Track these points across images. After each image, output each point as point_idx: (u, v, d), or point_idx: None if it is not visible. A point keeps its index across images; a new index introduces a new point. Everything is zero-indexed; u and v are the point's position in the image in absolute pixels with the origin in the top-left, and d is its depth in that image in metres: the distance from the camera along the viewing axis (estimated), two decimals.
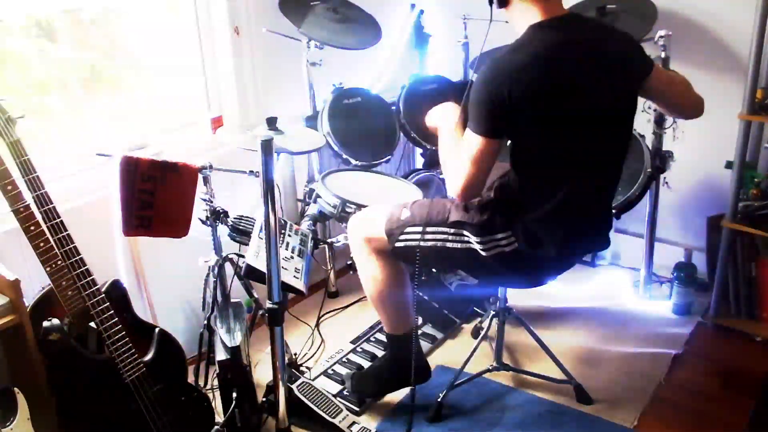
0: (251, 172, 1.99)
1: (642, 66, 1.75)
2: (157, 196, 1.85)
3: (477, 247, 1.77)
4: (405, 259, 1.95)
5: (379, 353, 2.41)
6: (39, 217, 1.59)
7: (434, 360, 2.39)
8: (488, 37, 1.71)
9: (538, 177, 1.71)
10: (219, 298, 2.04)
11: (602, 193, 1.84)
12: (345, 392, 2.21)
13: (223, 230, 1.99)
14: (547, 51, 1.59)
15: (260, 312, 2.23)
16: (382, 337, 2.46)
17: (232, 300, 2.06)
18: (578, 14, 1.74)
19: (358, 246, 2.00)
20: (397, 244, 1.89)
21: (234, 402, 1.89)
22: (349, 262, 2.29)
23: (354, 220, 2.03)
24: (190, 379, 1.93)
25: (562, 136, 1.66)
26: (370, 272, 1.99)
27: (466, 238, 1.79)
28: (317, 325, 2.63)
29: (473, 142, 1.63)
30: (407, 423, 2.05)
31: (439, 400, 2.12)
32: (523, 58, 1.58)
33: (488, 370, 2.25)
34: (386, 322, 2.08)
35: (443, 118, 1.88)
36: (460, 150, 1.67)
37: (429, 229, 1.84)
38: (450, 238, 1.82)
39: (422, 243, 1.85)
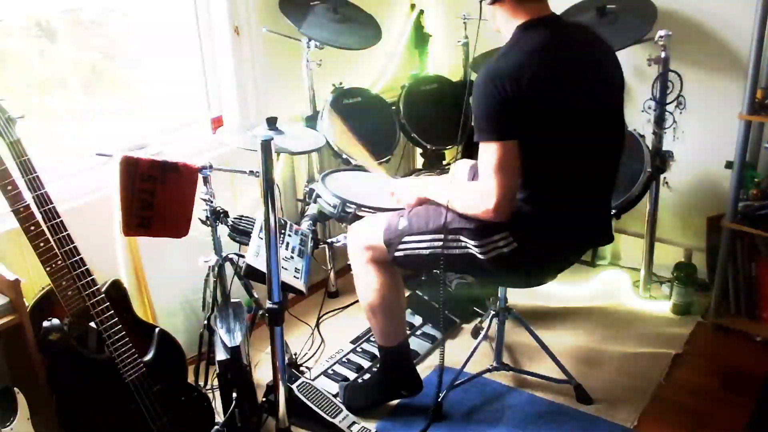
0: (251, 172, 1.99)
1: (622, 77, 1.81)
2: (157, 196, 1.84)
3: (475, 251, 1.77)
4: (405, 267, 1.95)
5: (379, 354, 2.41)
6: (39, 217, 1.59)
7: (434, 360, 2.39)
8: (486, 37, 1.72)
9: (536, 176, 1.70)
10: (219, 298, 2.04)
11: (599, 190, 1.85)
12: (338, 400, 2.21)
13: (223, 230, 1.99)
14: (541, 47, 1.61)
15: (260, 312, 2.23)
16: None
17: (232, 300, 2.06)
18: (559, 16, 1.77)
19: (358, 255, 2.00)
20: (397, 254, 1.89)
21: (234, 402, 1.89)
22: (349, 262, 2.30)
23: (353, 230, 2.03)
24: (190, 379, 1.94)
25: (559, 133, 1.66)
26: (367, 281, 2.00)
27: (463, 244, 1.79)
28: (317, 325, 2.63)
29: (490, 152, 1.60)
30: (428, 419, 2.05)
31: (439, 400, 2.12)
32: (520, 56, 1.60)
33: (488, 370, 2.25)
34: (379, 333, 2.08)
35: (419, 186, 1.94)
36: (479, 169, 1.65)
37: (427, 237, 1.84)
38: (448, 244, 1.82)
39: (421, 251, 1.85)
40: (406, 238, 1.87)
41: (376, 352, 2.41)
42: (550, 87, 1.60)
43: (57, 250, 1.60)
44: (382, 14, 2.78)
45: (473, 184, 1.71)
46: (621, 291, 2.84)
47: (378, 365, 2.26)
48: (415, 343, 2.47)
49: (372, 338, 2.50)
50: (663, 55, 2.40)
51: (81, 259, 1.63)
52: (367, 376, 2.32)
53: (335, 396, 2.13)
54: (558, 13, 1.75)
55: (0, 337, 1.65)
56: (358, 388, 2.22)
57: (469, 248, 1.78)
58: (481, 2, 1.71)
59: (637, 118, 2.50)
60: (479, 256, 1.77)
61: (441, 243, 1.82)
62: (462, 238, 1.79)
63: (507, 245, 1.74)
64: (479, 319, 2.60)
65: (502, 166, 1.60)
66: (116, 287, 1.77)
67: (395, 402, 2.18)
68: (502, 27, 1.71)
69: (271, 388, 1.96)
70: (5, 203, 1.58)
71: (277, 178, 2.15)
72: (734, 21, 2.52)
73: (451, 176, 2.09)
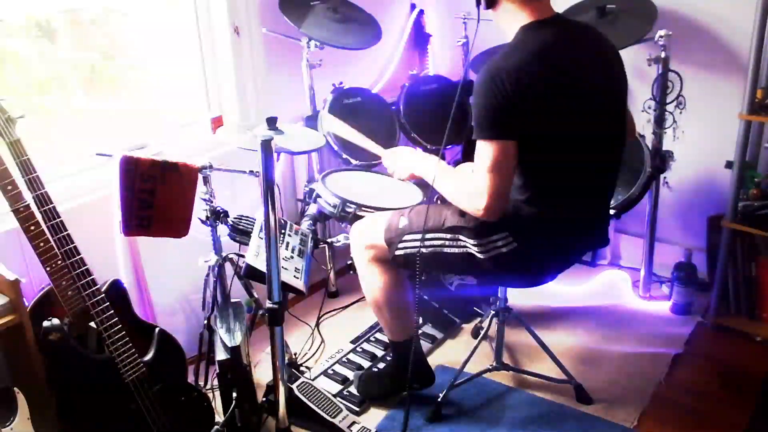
0: (251, 172, 1.99)
1: (625, 78, 1.80)
2: (157, 196, 1.85)
3: (474, 250, 1.77)
4: (405, 266, 1.95)
5: (379, 353, 2.41)
6: (39, 217, 1.59)
7: (434, 360, 2.39)
8: (485, 37, 1.71)
9: (537, 177, 1.70)
10: (219, 298, 2.04)
11: (599, 192, 1.85)
12: (345, 392, 2.21)
13: (223, 230, 1.99)
14: (544, 48, 1.61)
15: (260, 312, 2.23)
16: (382, 337, 2.47)
17: (232, 300, 2.06)
18: (565, 16, 1.76)
19: (360, 254, 2.01)
20: (397, 252, 1.89)
21: (234, 402, 1.89)
22: (349, 262, 2.30)
23: (356, 229, 2.04)
24: (190, 379, 1.94)
25: (561, 134, 1.66)
26: (371, 279, 2.01)
27: (462, 243, 1.79)
28: (317, 325, 2.63)
29: (487, 150, 1.59)
30: (403, 424, 2.03)
31: (439, 400, 2.12)
32: (522, 56, 1.59)
33: (488, 370, 2.25)
34: (387, 328, 2.10)
35: (413, 159, 1.95)
36: (474, 166, 1.63)
37: (426, 235, 1.84)
38: (447, 243, 1.82)
39: (421, 250, 1.85)
40: (406, 237, 1.87)
41: (377, 351, 2.43)
42: (551, 88, 1.60)
43: (57, 250, 1.60)
44: (382, 14, 2.78)
45: (467, 178, 1.69)
46: (621, 291, 2.84)
47: (391, 358, 2.27)
48: None
49: (372, 338, 2.51)
50: (663, 55, 2.40)
51: (81, 259, 1.63)
52: (381, 365, 2.33)
53: (336, 395, 2.12)
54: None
55: (0, 337, 1.65)
56: (373, 378, 2.24)
57: (468, 247, 1.78)
58: (478, 6, 1.71)
59: (637, 118, 2.49)
60: (478, 255, 1.77)
61: (440, 242, 1.82)
62: (461, 237, 1.79)
63: (506, 245, 1.74)
64: (479, 319, 2.60)
65: (497, 166, 1.59)
66: (116, 287, 1.77)
67: (395, 401, 2.18)
68: (504, 28, 1.70)
69: (271, 388, 1.96)
70: (5, 203, 1.58)
71: (277, 178, 2.15)
72: (734, 21, 2.52)
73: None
